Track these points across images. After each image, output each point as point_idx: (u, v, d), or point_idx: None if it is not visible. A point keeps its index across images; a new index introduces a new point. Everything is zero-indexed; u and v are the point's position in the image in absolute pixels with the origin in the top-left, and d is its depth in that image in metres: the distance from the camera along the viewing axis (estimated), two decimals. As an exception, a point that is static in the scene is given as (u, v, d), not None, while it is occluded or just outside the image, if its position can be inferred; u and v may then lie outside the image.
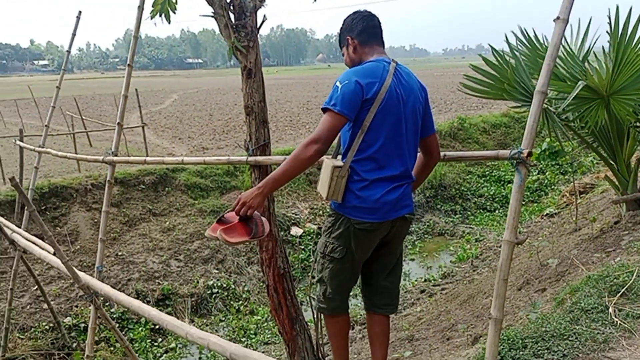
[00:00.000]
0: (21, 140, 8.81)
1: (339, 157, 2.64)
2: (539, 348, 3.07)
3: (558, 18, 2.31)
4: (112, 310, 8.72)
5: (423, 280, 10.06)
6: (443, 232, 12.64)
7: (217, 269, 10.18)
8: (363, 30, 2.64)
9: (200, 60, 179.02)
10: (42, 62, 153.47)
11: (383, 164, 2.48)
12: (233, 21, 3.95)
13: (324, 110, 2.46)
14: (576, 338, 3.13)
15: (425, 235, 12.49)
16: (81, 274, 5.65)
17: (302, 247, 11.44)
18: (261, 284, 10.32)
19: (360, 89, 2.40)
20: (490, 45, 5.94)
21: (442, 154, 2.77)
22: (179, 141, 17.54)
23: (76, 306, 8.61)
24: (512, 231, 2.36)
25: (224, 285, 9.73)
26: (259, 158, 3.98)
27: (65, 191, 10.48)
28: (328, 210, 2.68)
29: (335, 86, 2.46)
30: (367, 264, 2.76)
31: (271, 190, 2.46)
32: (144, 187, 11.27)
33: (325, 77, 65.34)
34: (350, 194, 2.51)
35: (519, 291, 6.02)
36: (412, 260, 11.29)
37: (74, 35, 8.05)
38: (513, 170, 2.28)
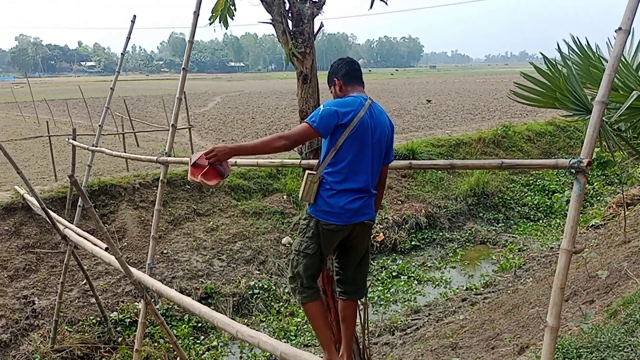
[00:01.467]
0: (74, 139, 9.15)
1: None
2: (594, 358, 3.04)
3: (620, 29, 2.30)
4: (157, 306, 8.95)
5: (465, 288, 9.97)
6: (485, 240, 12.49)
7: (258, 270, 10.32)
8: (346, 73, 3.24)
9: (242, 64, 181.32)
10: (89, 64, 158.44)
11: (349, 178, 3.00)
12: (291, 28, 4.04)
13: (306, 122, 3.00)
14: (632, 350, 3.09)
15: (467, 244, 12.36)
16: (133, 270, 5.86)
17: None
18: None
19: (336, 116, 2.95)
20: (541, 54, 5.86)
21: (500, 161, 2.82)
22: (222, 143, 17.84)
23: (122, 301, 8.87)
24: (570, 240, 2.35)
25: (265, 286, 9.87)
26: (313, 161, 4.06)
27: (114, 189, 10.84)
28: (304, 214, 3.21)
29: (319, 108, 3.03)
30: (339, 260, 3.34)
31: (237, 154, 3.02)
32: (189, 187, 11.54)
33: (366, 82, 65.00)
34: (321, 200, 3.03)
35: (567, 302, 5.93)
36: (453, 268, 11.20)
37: (128, 38, 8.35)
38: (558, 180, 2.27)
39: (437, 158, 14.98)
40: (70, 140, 9.17)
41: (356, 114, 2.99)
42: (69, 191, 9.86)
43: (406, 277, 10.73)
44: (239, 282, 9.81)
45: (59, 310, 7.76)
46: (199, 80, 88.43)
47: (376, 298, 9.92)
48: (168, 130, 14.66)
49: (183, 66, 6.36)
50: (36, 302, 8.39)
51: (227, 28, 4.81)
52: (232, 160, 4.32)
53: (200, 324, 8.86)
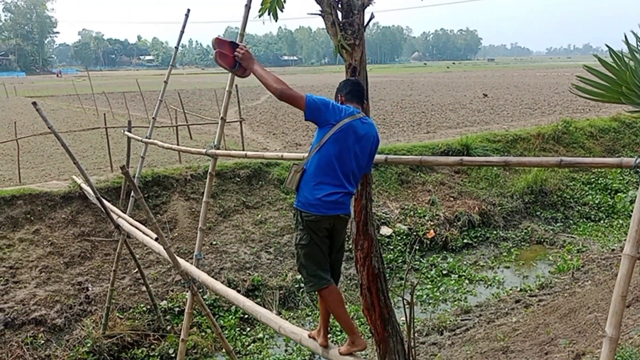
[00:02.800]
0: (129, 131, 9.37)
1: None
2: (659, 375, 2.79)
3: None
4: (205, 297, 9.06)
5: (518, 289, 9.61)
6: (542, 240, 12.01)
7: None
8: (349, 92, 3.61)
9: (295, 58, 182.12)
10: (147, 58, 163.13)
11: (328, 174, 3.29)
12: (340, 19, 3.92)
13: (305, 94, 3.35)
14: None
15: (522, 243, 11.92)
16: (181, 261, 5.91)
17: (391, 247, 11.30)
18: (348, 281, 10.31)
19: (329, 108, 3.32)
20: (607, 46, 5.49)
21: (559, 158, 2.62)
22: (273, 136, 17.94)
23: (172, 290, 9.03)
24: (635, 245, 2.17)
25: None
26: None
27: (167, 181, 11.04)
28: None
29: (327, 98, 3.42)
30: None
31: (253, 71, 3.47)
32: (239, 180, 11.61)
33: (421, 76, 64.23)
34: (301, 192, 3.36)
35: (628, 308, 5.58)
36: (507, 268, 10.82)
37: (182, 32, 8.43)
38: (622, 179, 2.05)
39: (492, 154, 14.51)
40: (126, 132, 9.40)
41: (345, 117, 3.33)
42: (124, 182, 10.11)
43: (457, 275, 10.45)
44: (286, 275, 9.81)
45: (111, 297, 7.97)
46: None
47: (425, 296, 9.71)
48: (222, 122, 14.79)
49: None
50: (90, 289, 8.64)
51: (276, 20, 4.73)
52: (288, 155, 4.29)
53: (246, 316, 8.89)
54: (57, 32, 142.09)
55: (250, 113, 24.75)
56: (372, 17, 3.97)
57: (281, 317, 9.17)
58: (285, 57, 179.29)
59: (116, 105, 25.31)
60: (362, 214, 4.09)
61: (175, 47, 8.79)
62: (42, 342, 7.62)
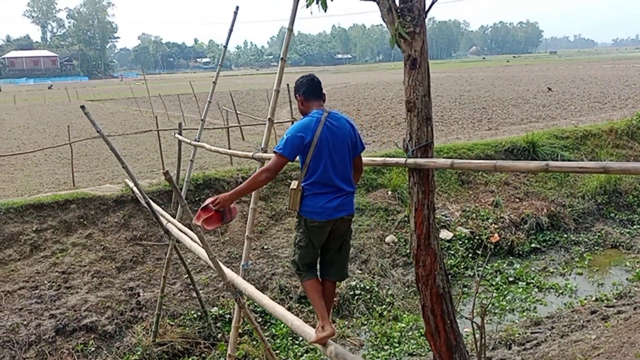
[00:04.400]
0: (180, 134, 9.16)
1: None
2: None
3: None
4: (256, 303, 8.75)
5: (593, 299, 8.78)
6: (617, 244, 11.04)
7: (360, 269, 9.81)
8: (306, 90, 3.73)
9: (349, 56, 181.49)
10: (204, 60, 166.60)
11: (324, 183, 3.53)
12: (397, 4, 3.43)
13: (275, 152, 3.55)
14: None
15: (596, 247, 10.99)
16: (227, 271, 5.57)
17: (452, 252, 10.65)
18: (406, 288, 9.77)
19: (301, 139, 3.50)
20: None
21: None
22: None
23: (223, 297, 8.75)
24: None
25: (367, 287, 9.33)
26: (420, 160, 3.43)
27: (218, 183, 10.81)
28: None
29: (284, 137, 3.56)
30: (321, 246, 3.79)
31: (236, 197, 3.63)
32: (290, 181, 11.24)
33: (480, 70, 62.30)
34: (305, 202, 3.59)
35: None
36: (580, 274, 9.96)
37: (230, 31, 8.11)
38: None
39: (561, 151, 13.55)
40: (176, 135, 9.20)
41: (314, 133, 3.50)
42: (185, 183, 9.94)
43: (524, 283, 9.72)
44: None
45: (161, 304, 7.77)
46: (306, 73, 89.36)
47: (490, 306, 9.03)
48: (273, 123, 14.38)
49: (281, 56, 5.98)
50: (141, 294, 8.49)
51: (325, 10, 4.29)
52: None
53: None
54: (118, 37, 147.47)
55: (303, 112, 24.47)
56: (434, 0, 3.46)
57: (335, 325, 8.80)
58: (339, 55, 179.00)
59: (172, 107, 25.58)
60: (423, 226, 3.59)
61: (224, 47, 8.49)
62: (93, 349, 7.49)
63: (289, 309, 8.82)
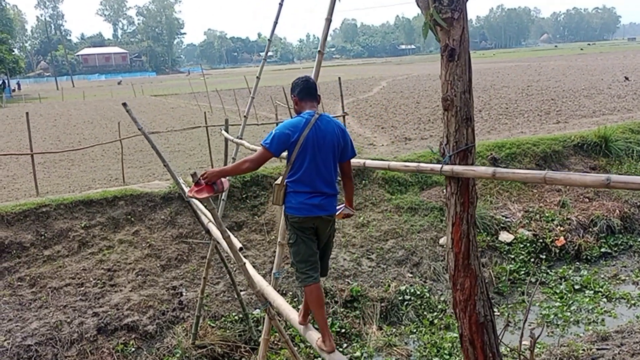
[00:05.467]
0: (226, 130, 8.94)
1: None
2: None
3: None
4: (300, 307, 8.43)
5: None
6: None
7: (411, 273, 9.30)
8: (300, 91, 3.79)
9: (413, 46, 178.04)
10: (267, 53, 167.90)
11: (306, 182, 3.64)
12: (433, -14, 2.95)
13: (262, 145, 3.59)
14: None
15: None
16: (258, 279, 5.24)
17: (512, 256, 9.94)
18: (461, 294, 9.18)
19: (287, 136, 3.57)
20: None
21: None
22: (381, 130, 16.95)
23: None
24: None
25: (418, 292, 8.82)
26: (458, 168, 2.94)
27: (265, 180, 10.56)
28: None
29: (272, 131, 3.62)
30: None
31: (223, 175, 3.57)
32: (338, 178, 10.84)
33: (551, 59, 59.29)
34: (287, 198, 3.71)
35: None
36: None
37: (275, 23, 7.76)
38: None
39: (637, 147, 12.43)
40: (222, 132, 9.00)
41: (301, 133, 3.58)
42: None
43: (592, 292, 8.93)
44: (389, 285, 8.89)
45: (201, 306, 7.59)
46: (368, 65, 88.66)
47: (552, 316, 8.35)
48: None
49: (319, 49, 5.59)
50: (184, 294, 8.37)
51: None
52: (371, 162, 4.05)
53: (343, 330, 8.15)
54: (184, 33, 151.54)
55: (360, 106, 23.94)
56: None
57: (382, 332, 8.36)
58: (403, 46, 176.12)
59: (231, 101, 25.68)
60: (462, 243, 3.09)
61: (269, 40, 8.16)
62: (133, 349, 7.42)
63: (333, 313, 8.47)
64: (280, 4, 7.69)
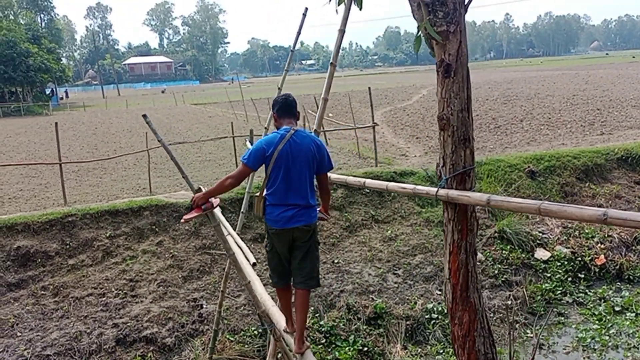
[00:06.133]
0: (250, 141, 8.86)
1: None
2: None
3: None
4: (322, 322, 8.23)
5: None
6: None
7: (439, 290, 8.96)
8: (279, 108, 4.05)
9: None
10: (309, 62, 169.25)
11: (281, 196, 3.86)
12: (429, -1, 2.74)
13: (241, 161, 3.91)
14: None
15: None
16: (265, 298, 5.08)
17: (548, 274, 9.47)
18: (491, 314, 8.78)
19: (263, 151, 3.84)
20: None
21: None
22: (416, 140, 16.59)
23: (287, 313, 8.32)
24: None
25: (445, 311, 8.45)
26: (453, 193, 2.71)
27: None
28: None
29: (250, 149, 3.93)
30: (290, 256, 4.09)
31: (209, 196, 3.92)
32: (368, 191, 10.60)
33: (600, 67, 57.22)
34: (267, 210, 3.94)
35: None
36: None
37: (298, 33, 7.60)
38: None
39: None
40: (246, 143, 8.94)
41: (276, 147, 3.78)
42: (246, 194, 9.68)
43: (633, 314, 8.43)
44: (415, 303, 8.59)
45: (219, 319, 7.47)
46: (410, 73, 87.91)
47: (589, 340, 7.89)
48: (354, 128, 13.76)
49: (331, 60, 5.42)
50: (204, 307, 8.29)
51: (360, 9, 3.76)
52: (370, 182, 4.05)
53: (366, 348, 7.89)
54: (228, 42, 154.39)
55: (397, 115, 23.59)
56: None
57: (407, 352, 8.06)
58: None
59: (267, 110, 25.73)
60: (459, 274, 2.85)
61: (291, 50, 7.98)
62: (150, 362, 7.37)
63: (356, 330, 8.22)
64: (304, 15, 7.56)
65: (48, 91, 62.23)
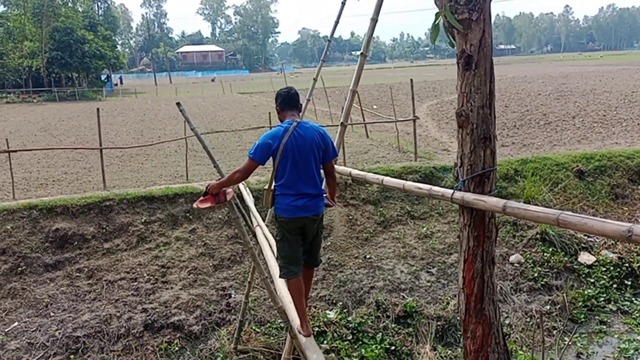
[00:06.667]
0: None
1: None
2: None
3: None
4: (349, 318, 8.09)
5: None
6: None
7: (474, 291, 8.64)
8: (282, 101, 4.20)
9: (512, 46, 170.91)
10: (358, 53, 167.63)
11: (290, 186, 3.98)
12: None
13: (248, 156, 4.01)
14: None
15: None
16: (284, 293, 4.97)
17: (592, 280, 9.02)
18: (528, 319, 8.44)
19: (269, 145, 3.95)
20: None
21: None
22: (460, 135, 16.12)
23: (315, 307, 8.21)
24: None
25: (480, 313, 8.17)
26: (469, 196, 2.49)
27: (325, 184, 10.28)
28: None
29: (256, 143, 4.03)
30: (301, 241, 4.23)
31: (222, 186, 4.19)
32: (405, 186, 10.35)
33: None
34: (276, 200, 4.08)
35: None
36: None
37: (336, 23, 7.43)
38: None
39: None
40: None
41: (281, 140, 3.88)
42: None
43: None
44: (447, 303, 8.33)
45: (245, 310, 7.43)
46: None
47: (632, 351, 7.57)
48: (394, 121, 13.43)
49: (362, 50, 5.23)
50: (232, 296, 8.28)
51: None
52: (389, 180, 3.96)
53: (394, 347, 7.71)
54: (279, 32, 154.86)
55: (443, 108, 23.02)
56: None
57: (436, 353, 7.82)
58: (501, 46, 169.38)
59: (318, 102, 25.55)
60: (474, 283, 2.64)
61: (328, 40, 7.80)
62: (177, 349, 7.41)
63: (384, 328, 8.04)
64: (343, 3, 7.36)
65: (103, 77, 64.15)
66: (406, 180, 10.40)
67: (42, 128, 23.40)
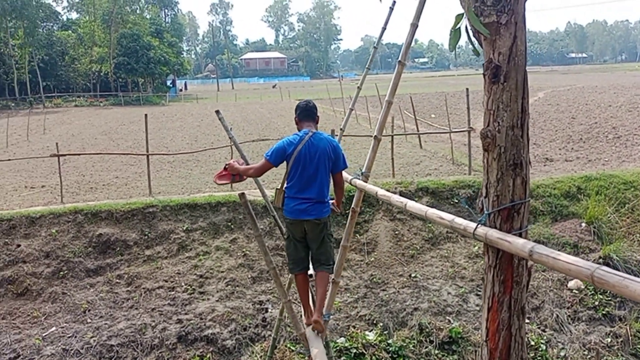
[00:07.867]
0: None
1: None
2: None
3: None
4: (390, 341, 7.65)
5: None
6: None
7: (528, 318, 8.00)
8: (300, 112, 4.53)
9: (584, 55, 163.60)
10: (421, 60, 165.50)
11: (298, 190, 4.29)
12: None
13: (264, 157, 4.31)
14: None
15: None
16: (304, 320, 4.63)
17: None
18: (586, 351, 7.75)
19: (284, 150, 4.27)
20: None
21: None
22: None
23: (354, 327, 7.85)
24: None
25: (532, 343, 7.60)
26: (493, 234, 2.09)
27: (372, 197, 9.87)
28: None
29: (274, 146, 4.35)
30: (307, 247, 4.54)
31: (240, 172, 4.54)
32: (456, 201, 9.80)
33: None
34: (285, 202, 4.39)
35: None
36: None
37: (383, 29, 7.03)
38: None
39: None
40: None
41: (295, 148, 4.24)
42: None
43: None
44: (497, 330, 7.72)
45: (279, 327, 7.15)
46: (530, 74, 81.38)
47: None
48: (448, 132, 12.82)
49: (399, 58, 4.83)
50: (269, 310, 8.04)
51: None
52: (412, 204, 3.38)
53: (436, 376, 7.20)
54: (341, 39, 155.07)
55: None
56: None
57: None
58: (572, 55, 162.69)
59: (364, 108, 25.20)
60: (499, 337, 2.22)
61: (375, 47, 7.39)
62: (208, 363, 7.23)
63: (426, 354, 7.56)
64: (391, 8, 6.97)
65: (169, 82, 66.24)
66: (459, 193, 9.91)
67: (104, 132, 24.20)
